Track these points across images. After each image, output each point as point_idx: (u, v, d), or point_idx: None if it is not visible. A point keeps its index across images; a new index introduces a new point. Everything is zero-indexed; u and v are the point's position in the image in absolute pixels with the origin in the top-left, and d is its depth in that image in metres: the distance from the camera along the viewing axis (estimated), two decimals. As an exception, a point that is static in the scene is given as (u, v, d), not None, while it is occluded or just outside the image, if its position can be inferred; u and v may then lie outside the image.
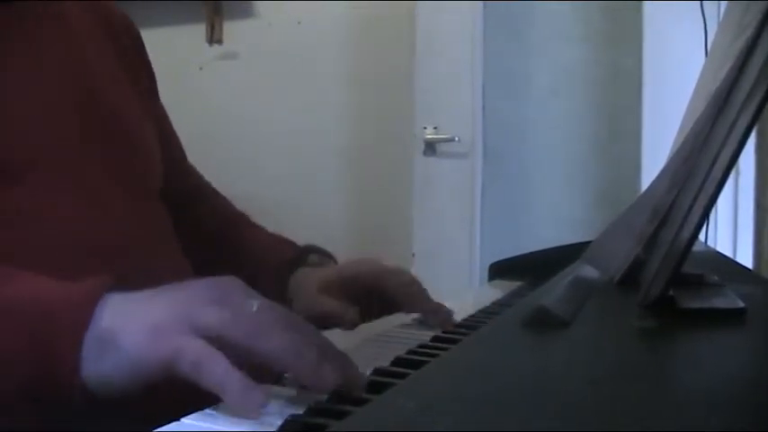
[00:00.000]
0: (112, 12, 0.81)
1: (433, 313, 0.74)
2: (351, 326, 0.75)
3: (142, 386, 0.48)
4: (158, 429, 0.42)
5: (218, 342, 0.46)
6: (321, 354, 0.47)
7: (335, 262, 0.87)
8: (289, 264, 0.83)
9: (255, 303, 0.48)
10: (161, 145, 0.81)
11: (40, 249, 0.60)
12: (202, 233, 0.88)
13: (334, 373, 0.46)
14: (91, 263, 0.61)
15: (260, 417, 0.43)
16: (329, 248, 0.90)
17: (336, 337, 0.77)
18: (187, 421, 0.43)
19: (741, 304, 0.45)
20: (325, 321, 0.75)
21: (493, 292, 0.91)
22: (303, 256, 0.85)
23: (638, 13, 1.85)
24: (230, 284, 0.50)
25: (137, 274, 0.63)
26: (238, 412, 0.43)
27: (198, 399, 0.46)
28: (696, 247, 0.45)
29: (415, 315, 0.77)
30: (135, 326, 0.47)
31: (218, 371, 0.44)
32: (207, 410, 0.45)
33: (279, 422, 0.41)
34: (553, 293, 0.48)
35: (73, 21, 0.72)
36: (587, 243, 0.66)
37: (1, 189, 0.60)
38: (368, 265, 0.80)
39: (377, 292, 0.78)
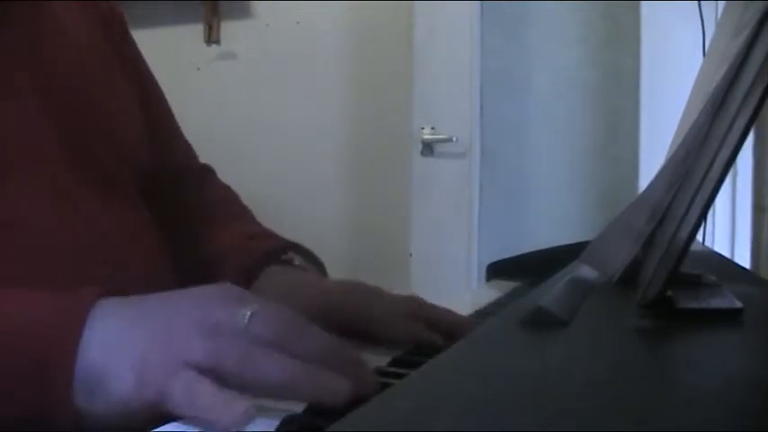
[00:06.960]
0: None
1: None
2: None
3: (140, 422, 0.45)
4: (156, 430, 0.42)
5: (212, 372, 0.44)
6: (322, 364, 0.45)
7: (321, 265, 0.82)
8: (264, 257, 0.77)
9: (246, 315, 0.46)
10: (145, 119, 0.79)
11: (14, 254, 0.58)
12: (179, 219, 0.84)
13: (342, 382, 0.44)
14: (63, 267, 0.60)
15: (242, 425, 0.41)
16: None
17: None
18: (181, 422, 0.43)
19: (739, 304, 0.45)
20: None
21: (491, 293, 0.91)
22: (279, 251, 0.78)
23: (636, 13, 1.85)
24: (218, 299, 0.48)
25: (109, 278, 0.62)
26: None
27: None
28: (694, 248, 0.45)
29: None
30: (123, 364, 0.45)
31: (207, 397, 0.43)
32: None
33: (276, 422, 0.41)
34: (551, 293, 0.48)
35: (54, 11, 0.70)
36: (585, 243, 0.66)
37: None
38: (379, 307, 0.68)
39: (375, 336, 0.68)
